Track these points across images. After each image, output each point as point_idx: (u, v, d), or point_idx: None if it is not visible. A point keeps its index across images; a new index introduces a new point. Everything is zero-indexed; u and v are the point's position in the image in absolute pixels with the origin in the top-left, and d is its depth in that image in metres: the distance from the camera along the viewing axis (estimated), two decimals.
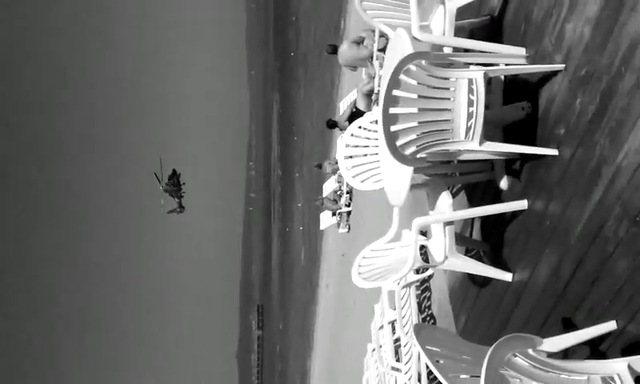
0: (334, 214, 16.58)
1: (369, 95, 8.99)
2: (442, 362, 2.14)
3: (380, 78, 7.99)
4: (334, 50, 9.16)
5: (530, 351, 1.86)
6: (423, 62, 3.01)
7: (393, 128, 2.90)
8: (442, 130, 3.09)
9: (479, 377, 1.77)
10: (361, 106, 9.43)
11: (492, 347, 1.70)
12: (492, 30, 3.96)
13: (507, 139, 3.60)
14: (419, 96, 3.01)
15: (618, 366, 1.93)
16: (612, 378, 1.91)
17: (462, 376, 2.13)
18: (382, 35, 7.61)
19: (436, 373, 2.03)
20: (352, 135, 4.33)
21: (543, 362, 1.82)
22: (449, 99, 3.07)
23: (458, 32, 3.76)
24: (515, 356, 1.80)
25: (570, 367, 1.88)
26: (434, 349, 2.18)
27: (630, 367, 1.94)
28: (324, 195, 16.70)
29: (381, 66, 7.95)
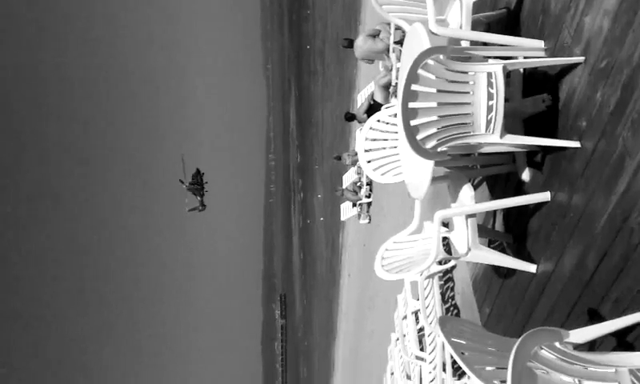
0: (354, 205, 16.62)
1: (386, 87, 8.99)
2: (467, 353, 2.18)
3: (397, 71, 8.00)
4: (350, 43, 9.16)
5: (557, 344, 1.89)
6: (441, 56, 3.03)
7: (413, 122, 2.93)
8: (463, 124, 3.11)
9: (505, 369, 1.81)
10: (378, 98, 9.43)
11: (519, 340, 1.73)
12: (509, 23, 3.95)
13: (528, 132, 3.61)
14: (438, 90, 3.04)
15: None
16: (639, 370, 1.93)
17: (488, 368, 2.16)
18: (398, 28, 7.59)
19: (462, 365, 2.07)
20: (371, 128, 4.37)
21: (570, 355, 1.85)
22: (468, 93, 3.09)
23: (475, 26, 3.76)
24: (542, 349, 1.83)
25: (597, 359, 1.91)
26: (460, 341, 2.22)
27: None
28: (344, 186, 16.73)
29: (397, 58, 7.95)
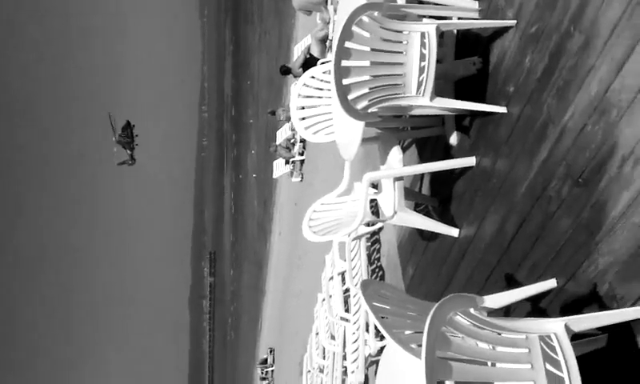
0: (287, 163, 16.51)
1: (323, 41, 8.85)
2: (386, 317, 2.16)
3: (334, 24, 7.85)
4: None
5: (472, 310, 1.89)
6: (376, 13, 2.93)
7: (345, 81, 2.84)
8: (394, 85, 3.05)
9: (422, 333, 1.79)
10: (315, 52, 9.28)
11: (435, 306, 1.71)
12: None
13: (458, 95, 3.60)
14: (372, 49, 2.95)
15: (555, 325, 1.99)
16: (549, 337, 1.97)
17: (407, 332, 2.15)
18: None
19: (381, 329, 2.05)
20: (305, 85, 4.25)
21: (483, 321, 1.86)
22: (401, 53, 3.02)
23: None
24: (457, 314, 1.82)
25: (508, 326, 1.93)
26: (380, 305, 2.19)
27: (566, 327, 2.00)
28: (278, 142, 16.55)
29: (335, 11, 7.79)
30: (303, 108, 4.47)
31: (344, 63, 2.79)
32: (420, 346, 1.76)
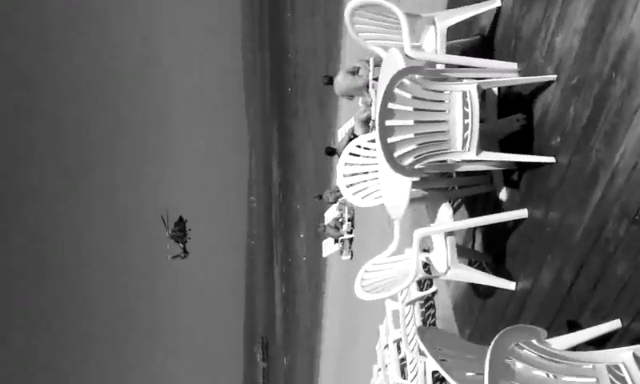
0: (336, 241, 16.58)
1: (366, 122, 9.11)
2: (447, 361, 2.18)
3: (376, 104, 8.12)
4: (330, 80, 9.32)
5: (535, 341, 1.90)
6: (417, 76, 3.10)
7: (390, 140, 2.98)
8: (439, 141, 3.16)
9: (483, 373, 1.81)
10: (358, 132, 9.55)
11: (496, 336, 1.74)
12: (483, 48, 4.07)
13: (504, 152, 3.68)
14: (415, 109, 3.10)
15: (623, 354, 1.96)
16: (617, 367, 1.94)
17: (468, 374, 2.15)
18: (377, 65, 7.75)
19: (441, 371, 2.06)
20: (351, 154, 4.41)
21: (548, 352, 1.86)
22: (444, 111, 3.15)
23: (450, 51, 3.87)
24: (518, 345, 1.83)
25: (574, 357, 1.92)
26: (439, 349, 2.21)
27: (635, 356, 1.97)
28: (326, 223, 16.73)
29: (377, 93, 8.09)
30: (351, 175, 4.61)
31: (388, 122, 2.94)
32: None
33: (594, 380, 1.85)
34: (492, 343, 1.75)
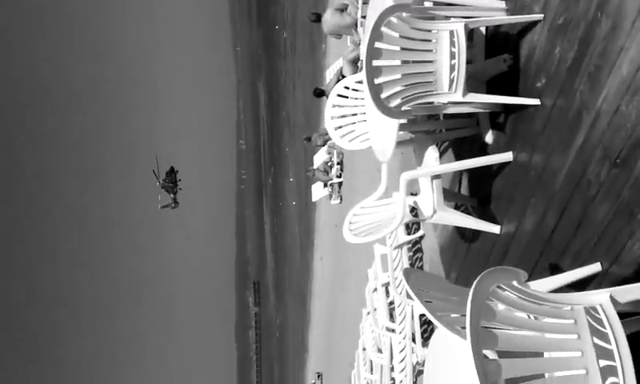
0: (325, 186, 16.62)
1: (354, 62, 8.97)
2: (432, 302, 2.20)
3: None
4: (318, 17, 9.11)
5: (515, 283, 1.92)
6: (404, 14, 3.03)
7: (377, 80, 2.93)
8: (426, 82, 3.12)
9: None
10: (347, 73, 9.40)
11: (478, 278, 1.75)
12: None
13: (491, 93, 3.64)
14: (402, 48, 3.04)
15: (601, 296, 1.99)
16: (595, 309, 1.97)
17: (453, 315, 2.18)
18: (366, 2, 7.57)
19: (425, 312, 2.08)
20: (339, 95, 4.36)
21: (527, 293, 1.88)
22: (431, 51, 3.10)
23: None
24: (500, 287, 1.85)
25: (553, 298, 1.95)
26: (424, 290, 2.23)
27: (612, 298, 2.01)
28: (315, 167, 16.71)
29: (365, 31, 7.93)
30: (338, 117, 4.57)
31: (375, 63, 2.88)
32: (465, 328, 1.80)
33: (572, 321, 1.88)
34: (474, 284, 1.77)
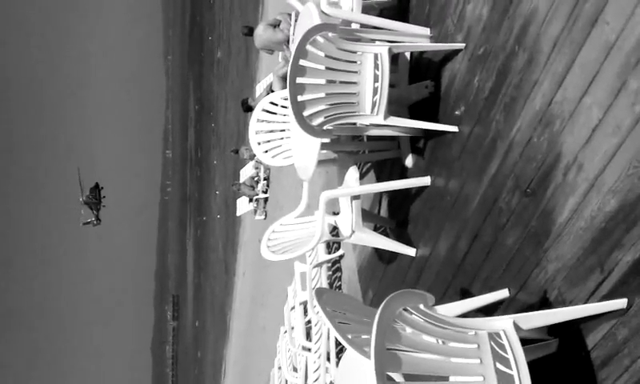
0: (250, 200, 16.47)
1: (284, 78, 8.94)
2: (341, 323, 2.17)
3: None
4: (250, 31, 9.05)
5: (421, 306, 1.92)
6: (330, 34, 3.03)
7: (300, 98, 2.90)
8: (349, 103, 3.12)
9: None
10: (276, 88, 9.36)
11: (385, 300, 1.74)
12: (399, 10, 4.04)
13: (413, 118, 3.70)
14: (326, 68, 3.03)
15: (504, 322, 2.03)
16: (498, 335, 2.00)
17: (363, 336, 2.16)
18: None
19: (335, 333, 2.05)
20: (264, 110, 4.31)
21: (432, 317, 1.89)
22: (355, 72, 3.11)
23: (367, 11, 3.80)
24: (406, 310, 1.84)
25: (459, 323, 1.96)
26: (335, 311, 2.20)
27: (515, 324, 2.05)
28: (241, 181, 16.55)
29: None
30: (263, 132, 4.51)
31: (299, 80, 2.86)
32: None
33: (476, 346, 1.90)
34: (380, 307, 1.75)
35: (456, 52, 3.28)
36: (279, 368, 7.83)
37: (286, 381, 7.18)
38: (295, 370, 6.87)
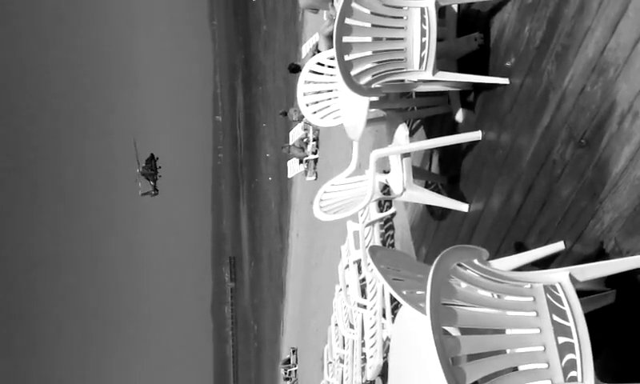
0: (301, 162, 16.59)
1: (330, 37, 8.85)
2: (396, 279, 2.21)
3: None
4: None
5: (476, 261, 1.94)
6: None
7: (347, 57, 2.91)
8: (396, 60, 3.10)
9: None
10: (323, 48, 9.31)
11: (439, 256, 1.77)
12: None
13: (462, 71, 3.64)
14: (372, 25, 3.01)
15: (560, 275, 2.02)
16: (554, 287, 2.01)
17: (418, 292, 2.20)
18: None
19: (390, 289, 2.10)
20: (311, 71, 4.32)
21: (487, 271, 1.91)
22: (402, 28, 3.08)
23: None
24: (461, 265, 1.87)
25: (514, 276, 1.97)
26: (389, 268, 2.25)
27: (571, 276, 2.04)
28: (291, 143, 16.65)
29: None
30: (311, 93, 4.53)
31: (345, 39, 2.86)
32: None
33: (531, 299, 1.91)
34: (434, 263, 1.78)
35: (505, 1, 3.19)
36: (336, 325, 8.00)
37: (343, 337, 7.34)
38: (352, 326, 7.01)
